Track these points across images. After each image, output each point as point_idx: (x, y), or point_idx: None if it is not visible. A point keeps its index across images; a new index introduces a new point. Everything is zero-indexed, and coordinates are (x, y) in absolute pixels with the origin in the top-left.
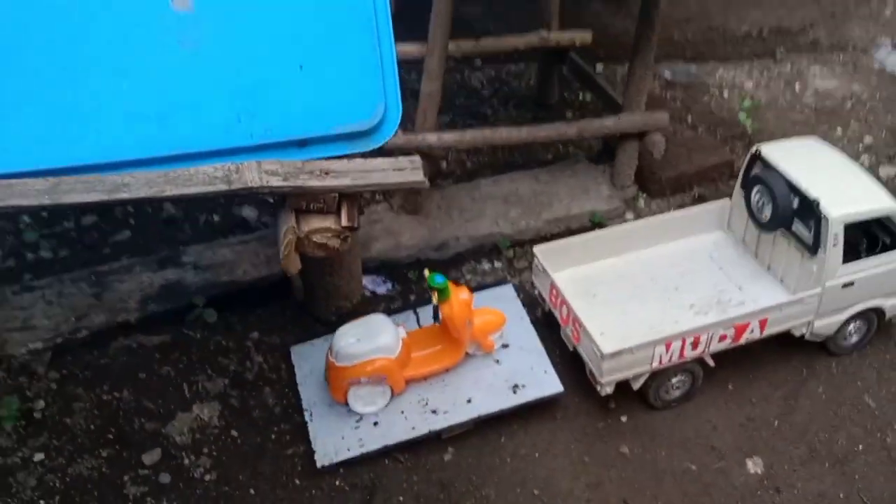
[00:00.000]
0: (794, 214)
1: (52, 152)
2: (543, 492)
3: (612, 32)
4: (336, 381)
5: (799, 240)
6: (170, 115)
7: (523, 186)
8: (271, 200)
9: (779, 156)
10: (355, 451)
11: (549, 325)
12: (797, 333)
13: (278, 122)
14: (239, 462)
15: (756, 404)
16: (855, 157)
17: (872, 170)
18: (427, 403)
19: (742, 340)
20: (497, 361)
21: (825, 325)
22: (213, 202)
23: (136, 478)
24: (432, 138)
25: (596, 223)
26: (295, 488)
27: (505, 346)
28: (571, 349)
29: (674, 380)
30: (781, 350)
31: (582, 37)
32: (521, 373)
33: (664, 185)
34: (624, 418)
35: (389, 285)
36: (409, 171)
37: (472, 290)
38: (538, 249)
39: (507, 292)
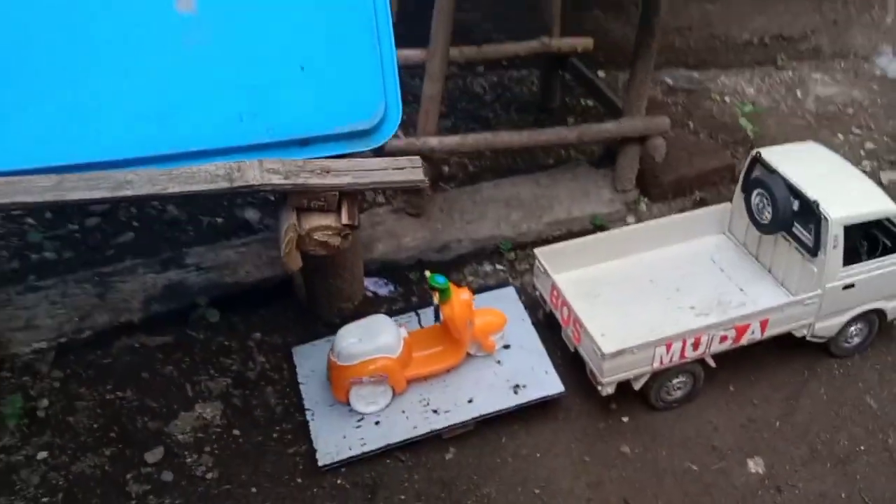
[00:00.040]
0: (794, 217)
1: (56, 150)
2: (544, 491)
3: (614, 39)
4: (338, 381)
5: (799, 242)
6: (173, 115)
7: (524, 190)
8: (272, 198)
9: (779, 159)
10: (357, 450)
11: (550, 326)
12: (798, 335)
13: (280, 122)
14: (241, 461)
15: (757, 405)
16: (856, 162)
17: (874, 175)
18: (428, 403)
19: (743, 341)
20: (498, 362)
21: (826, 326)
22: (216, 205)
23: (139, 476)
24: (434, 142)
25: (597, 226)
26: (297, 487)
27: (506, 346)
28: (572, 350)
29: (675, 380)
30: (783, 352)
31: (583, 43)
32: (522, 373)
33: (665, 188)
34: (625, 419)
35: (391, 287)
36: (409, 170)
37: (474, 291)
38: (539, 251)
39: (508, 294)
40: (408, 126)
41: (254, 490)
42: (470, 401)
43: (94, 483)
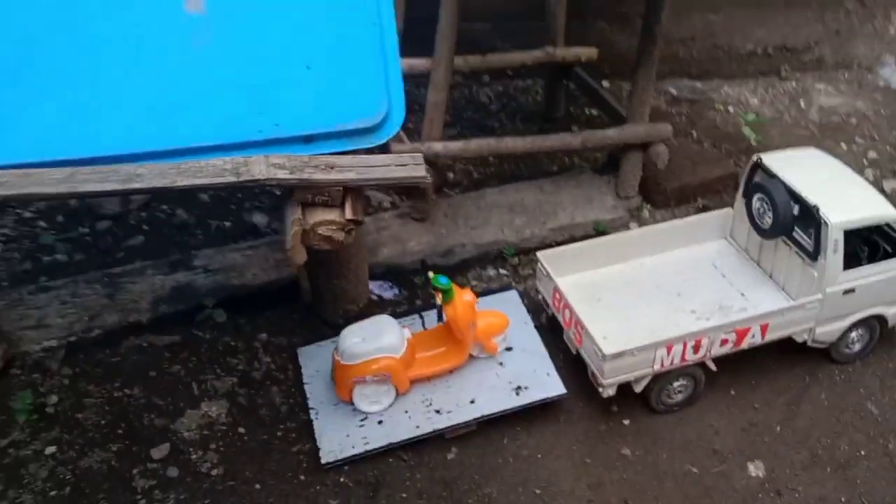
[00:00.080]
0: (794, 221)
1: (68, 144)
2: (545, 491)
3: (618, 50)
4: (342, 380)
5: (800, 247)
6: (182, 111)
7: (528, 196)
8: (278, 193)
9: (779, 164)
10: (360, 449)
11: (552, 330)
12: (799, 340)
13: (285, 119)
14: (245, 458)
15: (758, 409)
16: (859, 171)
17: (877, 184)
18: (431, 403)
19: (744, 345)
20: (500, 364)
21: (827, 331)
22: (224, 209)
23: (145, 471)
24: (438, 147)
25: (600, 232)
26: (300, 484)
27: (508, 349)
28: (574, 353)
29: (676, 384)
30: (784, 357)
31: (587, 53)
32: (524, 375)
33: (668, 195)
34: (626, 421)
35: (396, 290)
36: (411, 166)
37: (477, 295)
38: (542, 254)
39: (511, 297)
40: (413, 134)
41: (258, 487)
42: (472, 401)
43: (100, 478)
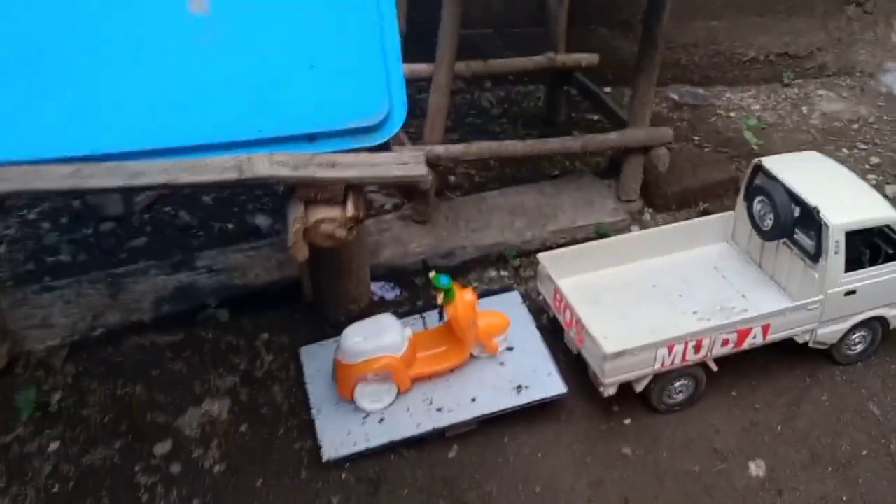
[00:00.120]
0: (795, 223)
1: (74, 141)
2: (546, 489)
3: (620, 57)
4: (343, 379)
5: (801, 248)
6: (186, 110)
7: (529, 199)
8: (280, 190)
9: (780, 167)
10: (361, 446)
11: (553, 331)
12: (801, 341)
13: (288, 118)
14: (247, 455)
15: (759, 410)
16: (861, 176)
17: (879, 188)
18: (432, 402)
19: (745, 346)
20: (501, 363)
21: (829, 333)
22: (227, 211)
23: (148, 467)
24: (440, 149)
25: (601, 235)
26: (301, 480)
27: (509, 348)
28: (575, 353)
29: (677, 383)
30: (786, 359)
31: (588, 58)
32: (525, 374)
33: (670, 199)
34: (627, 421)
35: (397, 291)
36: (412, 164)
37: (479, 296)
38: (543, 256)
39: (512, 298)
40: (415, 139)
41: (259, 483)
42: (473, 400)
43: (103, 474)
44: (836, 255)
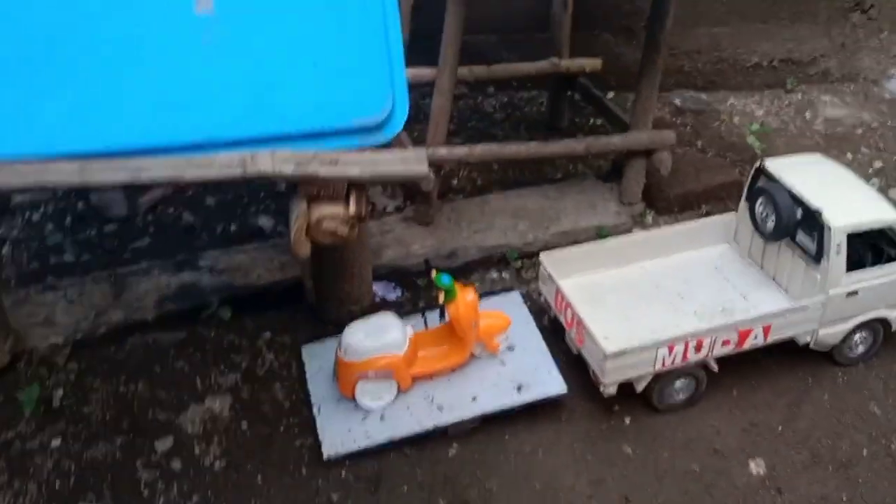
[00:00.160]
0: (797, 225)
1: (80, 138)
2: (546, 487)
3: (624, 63)
4: (344, 376)
5: (803, 250)
6: (191, 107)
7: (531, 201)
8: (283, 188)
9: (782, 169)
10: (361, 444)
11: (555, 331)
12: (802, 342)
13: (292, 116)
14: (248, 452)
15: (760, 410)
16: (865, 180)
17: (882, 192)
18: (433, 400)
19: (746, 346)
20: (502, 363)
21: (830, 333)
22: (230, 212)
23: (149, 463)
24: (442, 151)
25: (603, 237)
26: (302, 477)
27: (510, 348)
28: (576, 353)
29: (677, 383)
30: (787, 360)
31: (592, 63)
32: (525, 373)
33: (672, 202)
34: (627, 420)
35: (399, 292)
36: (414, 162)
37: (480, 296)
38: (545, 256)
39: (513, 298)
40: (418, 143)
41: (260, 480)
42: (474, 398)
43: (104, 470)
44: (837, 256)
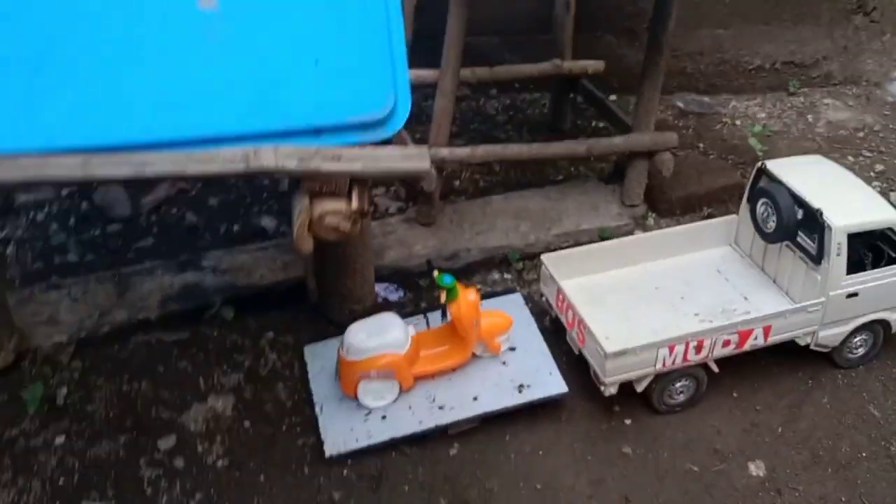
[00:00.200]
0: (798, 226)
1: (83, 132)
2: (546, 486)
3: (626, 65)
4: (346, 375)
5: (803, 251)
6: (194, 103)
7: (533, 203)
8: (286, 184)
9: (783, 170)
10: (363, 443)
11: (556, 332)
12: (802, 343)
13: (294, 112)
14: (250, 450)
15: (760, 411)
16: (866, 183)
17: (884, 195)
18: (434, 399)
19: (746, 347)
20: (503, 363)
21: (830, 335)
22: (233, 213)
23: (152, 461)
24: (444, 152)
25: (605, 239)
26: (304, 476)
27: (511, 349)
28: (577, 353)
29: (678, 384)
30: (787, 361)
31: (594, 65)
32: (526, 374)
33: (674, 204)
34: (628, 421)
35: (401, 293)
36: (417, 158)
37: (482, 297)
38: (546, 257)
39: (514, 299)
40: (421, 143)
41: (262, 478)
42: (475, 398)
43: (108, 467)
44: (838, 256)
